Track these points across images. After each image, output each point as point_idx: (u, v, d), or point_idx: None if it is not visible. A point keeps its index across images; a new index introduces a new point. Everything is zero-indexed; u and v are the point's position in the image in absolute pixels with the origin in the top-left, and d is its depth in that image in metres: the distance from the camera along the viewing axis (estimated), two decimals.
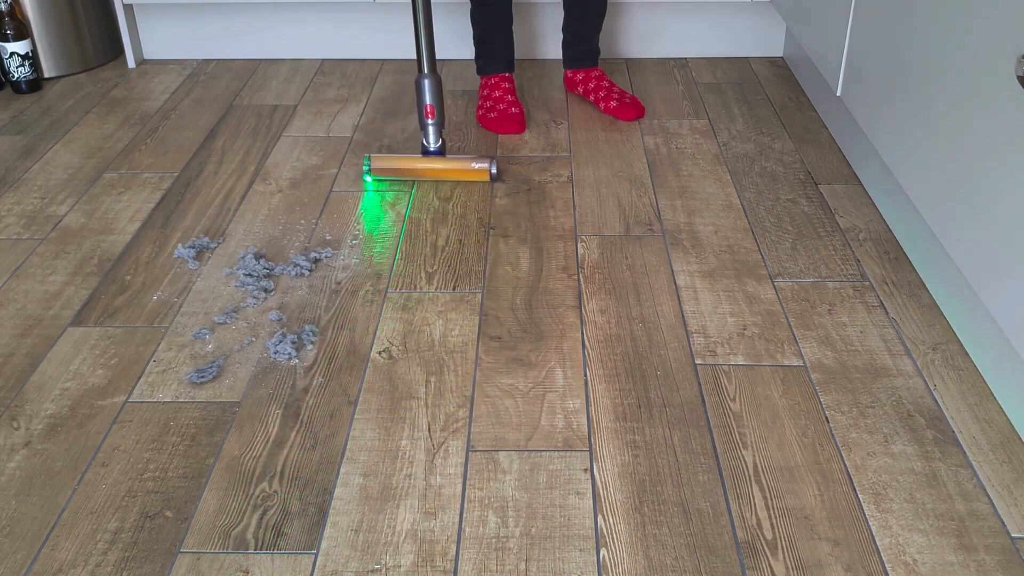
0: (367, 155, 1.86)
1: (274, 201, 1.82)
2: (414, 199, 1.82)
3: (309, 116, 2.17)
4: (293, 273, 1.59)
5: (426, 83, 1.81)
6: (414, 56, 2.51)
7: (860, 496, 1.15)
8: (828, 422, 1.26)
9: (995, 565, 1.06)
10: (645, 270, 1.59)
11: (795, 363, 1.37)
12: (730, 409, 1.29)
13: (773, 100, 2.22)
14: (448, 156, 1.87)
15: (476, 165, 1.84)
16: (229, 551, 1.09)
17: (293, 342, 1.42)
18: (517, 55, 2.50)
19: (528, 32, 2.47)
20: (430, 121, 1.84)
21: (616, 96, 2.14)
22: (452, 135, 2.07)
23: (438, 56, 2.50)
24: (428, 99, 1.82)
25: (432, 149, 1.87)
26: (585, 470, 1.20)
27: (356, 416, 1.29)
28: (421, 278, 1.58)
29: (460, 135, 2.07)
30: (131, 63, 2.48)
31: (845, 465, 1.20)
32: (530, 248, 1.66)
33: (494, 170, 1.83)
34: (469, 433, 1.26)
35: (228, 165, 1.96)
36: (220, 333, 1.45)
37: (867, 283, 1.54)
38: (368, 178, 1.87)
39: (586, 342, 1.42)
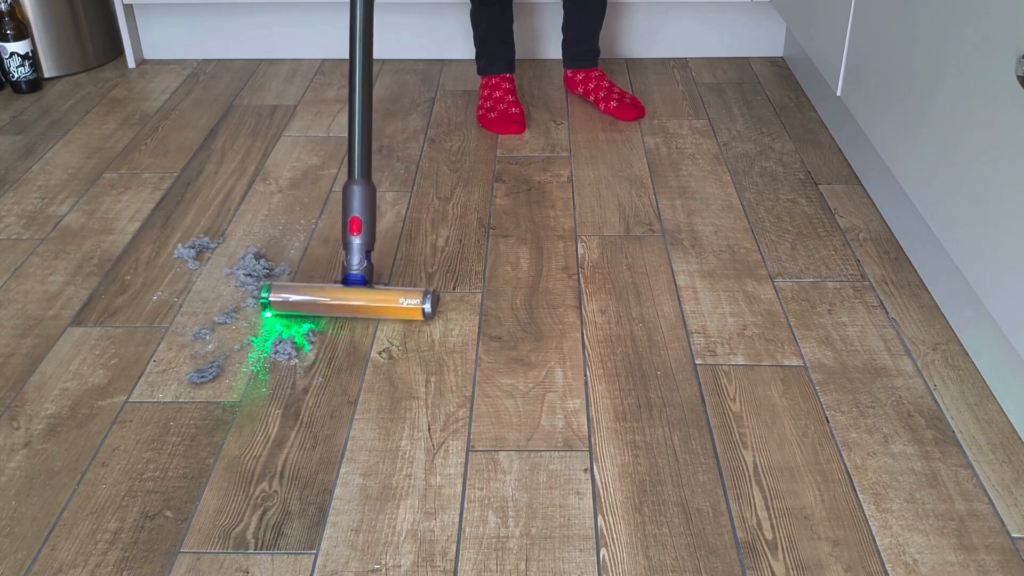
0: (267, 283, 1.48)
1: (274, 201, 1.82)
2: (413, 199, 1.82)
3: (309, 116, 2.17)
4: (291, 273, 1.59)
5: (355, 191, 1.46)
6: (414, 56, 2.51)
7: (860, 496, 1.15)
8: (828, 422, 1.26)
9: (995, 565, 1.06)
10: (645, 270, 1.59)
11: (795, 363, 1.37)
12: (730, 409, 1.29)
13: (773, 100, 2.22)
14: (374, 287, 1.47)
15: (406, 301, 1.44)
16: (229, 551, 1.09)
17: (293, 342, 1.42)
18: (517, 55, 2.50)
19: (528, 32, 2.47)
20: (355, 238, 1.46)
21: (616, 96, 2.14)
22: (452, 135, 2.07)
23: (437, 56, 2.51)
24: (354, 211, 1.46)
25: (355, 272, 1.47)
26: (585, 470, 1.20)
27: (356, 416, 1.29)
28: (421, 278, 1.58)
29: (460, 135, 2.07)
30: (131, 63, 2.48)
31: (845, 465, 1.20)
32: (530, 248, 1.66)
33: (428, 307, 1.44)
34: (469, 433, 1.26)
35: (228, 165, 1.96)
36: (220, 333, 1.45)
37: (867, 283, 1.54)
38: (267, 314, 1.48)
39: (586, 342, 1.42)
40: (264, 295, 1.45)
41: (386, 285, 1.52)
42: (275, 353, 1.40)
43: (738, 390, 1.32)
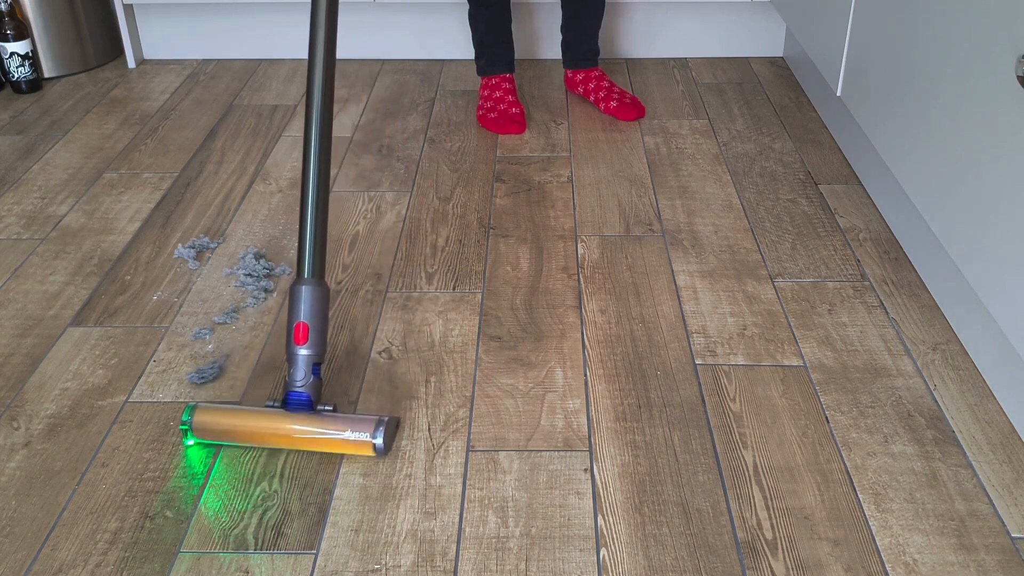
0: (189, 403, 1.27)
1: (274, 201, 1.82)
2: (413, 199, 1.82)
3: None
4: (291, 272, 1.59)
5: (303, 292, 1.24)
6: (414, 56, 2.51)
7: (860, 496, 1.15)
8: (828, 422, 1.26)
9: (995, 565, 1.06)
10: (645, 270, 1.59)
11: (795, 363, 1.37)
12: (730, 409, 1.29)
13: (773, 100, 2.22)
14: (319, 413, 1.22)
15: (353, 435, 1.19)
16: (229, 551, 1.09)
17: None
18: (517, 55, 2.50)
19: (528, 32, 2.47)
20: (299, 349, 1.22)
21: (616, 96, 2.14)
22: (452, 135, 2.07)
23: (437, 56, 2.50)
24: (301, 315, 1.23)
25: (297, 391, 1.22)
26: (585, 470, 1.20)
27: None
28: (421, 278, 1.58)
29: (460, 135, 2.07)
30: (131, 63, 2.48)
31: (845, 465, 1.20)
32: (530, 248, 1.66)
33: (379, 441, 1.19)
34: (469, 433, 1.26)
35: (228, 165, 1.96)
36: (220, 333, 1.45)
37: (867, 283, 1.54)
38: (189, 442, 1.24)
39: (586, 342, 1.42)
40: (185, 419, 1.22)
41: (333, 410, 1.23)
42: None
43: (738, 390, 1.32)
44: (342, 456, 1.22)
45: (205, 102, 2.26)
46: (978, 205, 1.18)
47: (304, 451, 1.22)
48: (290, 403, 1.22)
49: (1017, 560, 1.07)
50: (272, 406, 1.23)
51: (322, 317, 1.25)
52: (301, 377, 1.23)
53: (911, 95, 1.39)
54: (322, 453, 1.22)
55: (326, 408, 1.22)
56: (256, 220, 1.75)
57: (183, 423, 1.22)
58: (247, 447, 1.23)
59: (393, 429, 1.24)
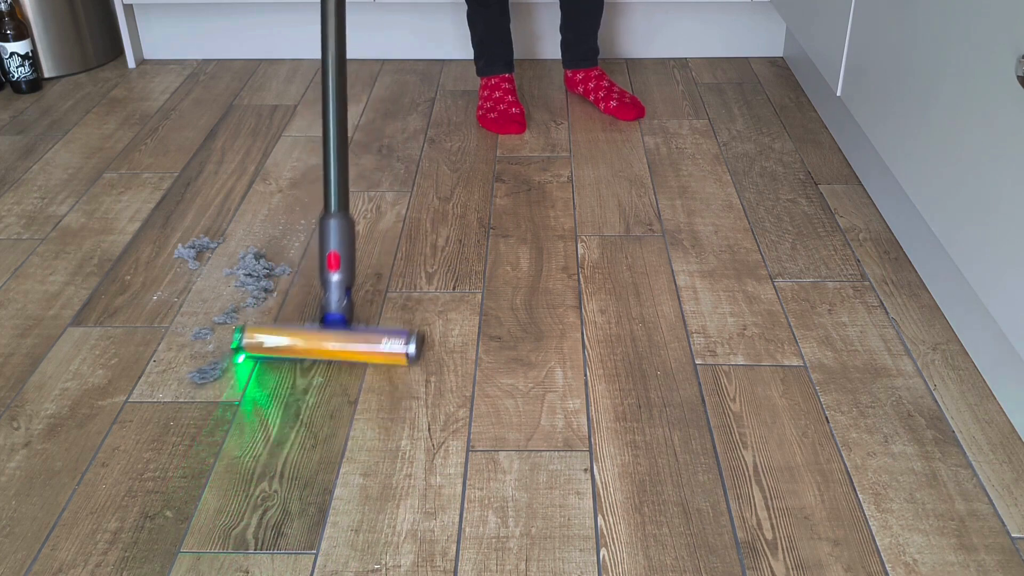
0: (239, 325, 1.40)
1: (274, 201, 1.82)
2: (413, 199, 1.82)
3: (309, 116, 2.17)
4: (291, 272, 1.59)
5: (332, 225, 1.37)
6: (414, 56, 2.51)
7: (860, 496, 1.15)
8: (828, 422, 1.26)
9: (995, 565, 1.06)
10: (645, 270, 1.59)
11: (795, 363, 1.37)
12: (730, 409, 1.29)
13: (773, 100, 2.22)
14: (353, 329, 1.37)
15: (388, 347, 1.34)
16: (229, 551, 1.09)
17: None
18: (517, 55, 2.50)
19: (528, 32, 2.47)
20: (333, 275, 1.36)
21: (616, 96, 2.14)
22: (452, 135, 2.07)
23: (437, 56, 2.51)
24: (332, 245, 1.36)
25: (333, 311, 1.37)
26: (585, 470, 1.20)
27: (356, 416, 1.29)
28: (421, 278, 1.58)
29: (460, 135, 2.07)
30: (131, 63, 2.48)
31: (845, 465, 1.20)
32: (530, 248, 1.66)
33: (412, 350, 1.34)
34: (469, 433, 1.26)
35: (228, 165, 1.96)
36: (220, 333, 1.45)
37: (867, 283, 1.54)
38: (240, 357, 1.39)
39: (586, 342, 1.42)
40: (236, 338, 1.36)
41: (367, 326, 1.39)
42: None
43: (738, 390, 1.32)
44: (342, 456, 1.22)
45: (205, 102, 2.26)
46: (978, 205, 1.18)
47: (343, 363, 1.36)
48: (327, 323, 1.36)
49: (1017, 560, 1.07)
50: (310, 327, 1.36)
51: (350, 246, 1.38)
52: (336, 300, 1.37)
53: (911, 95, 1.39)
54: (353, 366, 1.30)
55: (359, 326, 1.37)
56: (256, 220, 1.75)
57: (234, 342, 1.36)
58: (292, 360, 1.38)
59: (422, 342, 1.38)
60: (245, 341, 1.36)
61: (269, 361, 1.38)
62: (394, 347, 1.34)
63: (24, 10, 2.32)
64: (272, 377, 1.35)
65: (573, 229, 1.71)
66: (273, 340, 1.35)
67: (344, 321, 1.37)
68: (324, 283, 1.37)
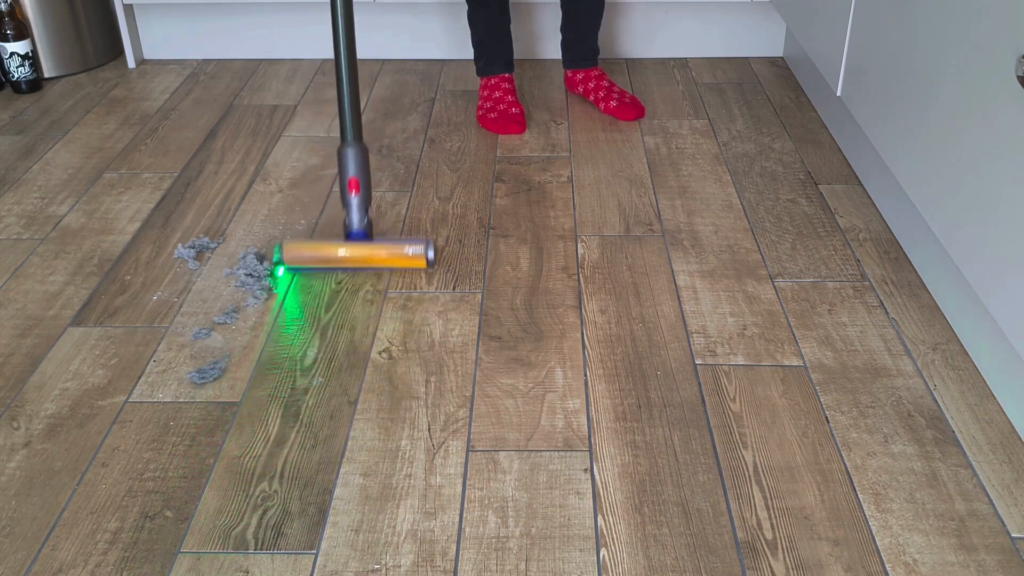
0: (277, 243, 1.59)
1: (274, 201, 1.82)
2: (413, 199, 1.82)
3: (309, 116, 2.17)
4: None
5: (350, 153, 1.56)
6: (414, 56, 2.51)
7: (860, 496, 1.15)
8: (828, 422, 1.26)
9: (995, 565, 1.06)
10: (645, 270, 1.59)
11: (795, 363, 1.37)
12: (730, 409, 1.29)
13: (773, 100, 2.22)
14: (375, 241, 1.60)
15: (410, 250, 1.55)
16: (229, 551, 1.09)
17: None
18: (517, 55, 2.50)
19: (528, 32, 2.47)
20: (353, 197, 1.57)
21: (616, 96, 2.14)
22: (452, 135, 2.07)
23: (437, 56, 2.51)
24: (351, 171, 1.56)
25: (356, 229, 1.58)
26: (585, 470, 1.20)
27: (356, 416, 1.29)
28: (421, 278, 1.58)
29: (460, 135, 2.07)
30: (131, 63, 2.48)
31: (845, 465, 1.20)
32: (530, 248, 1.66)
33: (431, 254, 1.56)
34: (469, 433, 1.26)
35: (228, 165, 1.96)
36: (220, 333, 1.45)
37: (867, 283, 1.54)
38: (280, 270, 1.59)
39: (586, 342, 1.42)
40: (277, 252, 1.57)
41: (385, 238, 1.65)
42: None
43: (738, 390, 1.32)
44: (342, 456, 1.22)
45: (205, 102, 2.26)
46: (978, 205, 1.18)
47: (369, 270, 1.59)
48: (352, 238, 1.58)
49: (1017, 560, 1.07)
50: (340, 241, 1.58)
51: (367, 171, 1.58)
52: (359, 219, 1.57)
53: (911, 95, 1.39)
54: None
55: (379, 239, 1.60)
56: (256, 220, 1.75)
57: (275, 256, 1.57)
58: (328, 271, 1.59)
59: (437, 250, 1.63)
60: (284, 255, 1.56)
61: (305, 272, 1.59)
62: (417, 251, 1.55)
63: (24, 10, 2.32)
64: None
65: (573, 229, 1.71)
66: (309, 253, 1.57)
67: (366, 235, 1.58)
68: (346, 205, 1.57)
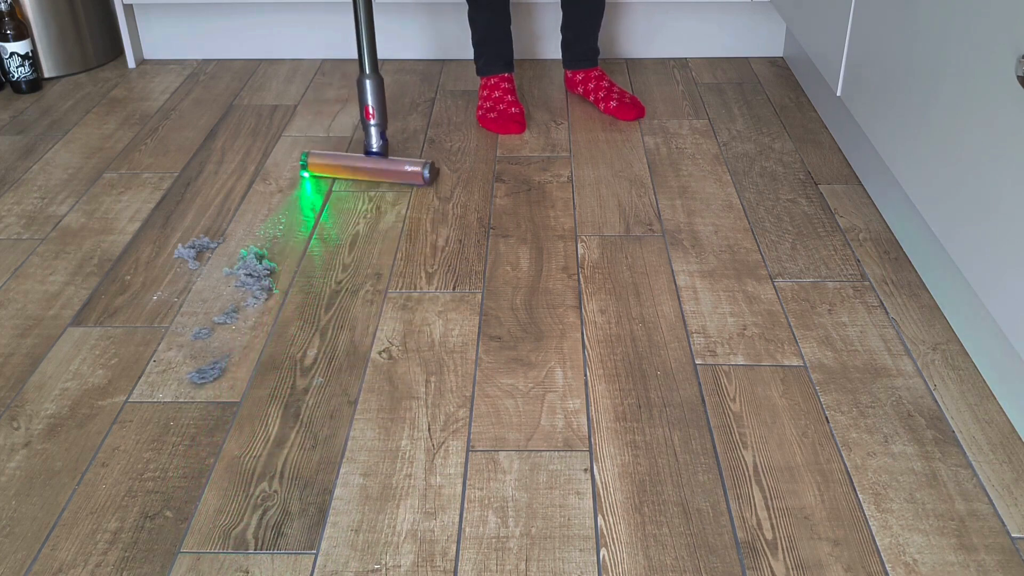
0: (305, 151, 1.90)
1: (274, 201, 1.82)
2: (413, 199, 1.82)
3: (309, 116, 2.17)
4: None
5: (367, 83, 1.80)
6: (414, 56, 2.51)
7: (860, 496, 1.15)
8: (828, 422, 1.26)
9: (995, 565, 1.06)
10: (645, 270, 1.59)
11: (795, 363, 1.37)
12: (730, 409, 1.29)
13: (773, 100, 2.22)
14: (389, 158, 1.86)
15: (408, 167, 1.82)
16: (229, 551, 1.09)
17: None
18: (517, 55, 2.50)
19: (528, 32, 2.47)
20: (371, 123, 1.83)
21: (616, 96, 2.14)
22: (452, 135, 2.07)
23: (437, 56, 2.51)
24: (368, 100, 1.81)
25: (374, 150, 1.85)
26: (585, 470, 1.20)
27: (356, 416, 1.29)
28: (421, 278, 1.58)
29: (460, 135, 2.07)
30: (131, 63, 2.48)
31: (845, 465, 1.20)
32: (530, 248, 1.66)
33: (427, 173, 1.82)
34: (469, 433, 1.26)
35: (228, 165, 1.96)
36: (220, 333, 1.45)
37: (867, 283, 1.54)
38: (305, 174, 1.89)
39: (586, 342, 1.42)
40: (303, 158, 1.86)
41: (396, 157, 1.87)
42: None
43: (738, 390, 1.32)
44: (342, 456, 1.22)
45: (205, 102, 2.26)
46: (978, 205, 1.18)
47: (373, 183, 1.85)
48: (371, 155, 1.86)
49: (1017, 560, 1.07)
50: (357, 156, 1.87)
51: (382, 98, 1.82)
52: (375, 140, 1.85)
53: (911, 95, 1.39)
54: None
55: (393, 158, 1.86)
56: (256, 220, 1.75)
57: (301, 161, 1.87)
58: (349, 181, 1.86)
59: (436, 172, 1.87)
60: (309, 160, 1.86)
61: (321, 178, 1.88)
62: (414, 169, 1.82)
63: (24, 10, 2.32)
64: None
65: (573, 229, 1.71)
66: (328, 160, 1.86)
67: (381, 155, 1.86)
68: (365, 128, 1.84)
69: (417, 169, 1.82)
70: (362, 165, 1.84)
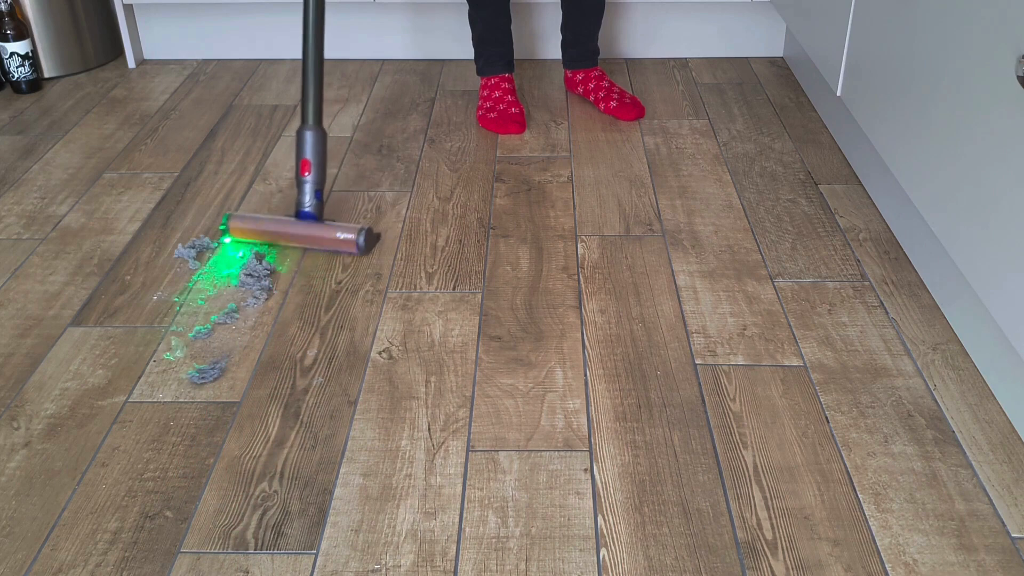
0: (226, 213, 1.69)
1: (274, 201, 1.82)
2: (413, 199, 1.82)
3: None
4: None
5: (308, 135, 1.62)
6: (414, 56, 2.51)
7: (860, 496, 1.15)
8: (828, 422, 1.26)
9: (995, 565, 1.06)
10: (645, 270, 1.59)
11: (795, 363, 1.37)
12: (730, 409, 1.29)
13: (773, 100, 2.22)
14: (316, 223, 1.63)
15: (341, 235, 1.61)
16: (229, 551, 1.09)
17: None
18: (517, 55, 2.50)
19: (528, 32, 2.47)
20: (306, 178, 1.63)
21: (616, 96, 2.14)
22: (452, 135, 2.07)
23: (437, 56, 2.51)
24: (307, 152, 1.62)
25: (306, 209, 1.64)
26: (585, 470, 1.20)
27: (356, 416, 1.29)
28: (421, 278, 1.58)
29: (460, 135, 2.07)
30: (131, 63, 2.48)
31: (845, 465, 1.20)
32: (530, 248, 1.66)
33: (361, 241, 1.60)
34: (469, 433, 1.26)
35: (228, 165, 1.96)
36: (220, 333, 1.45)
37: (867, 283, 1.54)
38: (227, 239, 1.67)
39: (586, 342, 1.42)
40: (224, 222, 1.65)
41: (333, 221, 1.67)
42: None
43: (738, 390, 1.32)
44: (342, 456, 1.22)
45: (205, 102, 2.26)
46: (978, 205, 1.18)
47: (310, 248, 1.64)
48: (301, 217, 1.64)
49: (1017, 560, 1.07)
50: (286, 219, 1.65)
51: (322, 154, 1.64)
52: (308, 199, 1.64)
53: (911, 95, 1.39)
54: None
55: (327, 222, 1.64)
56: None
57: (222, 225, 1.65)
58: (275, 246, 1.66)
59: (374, 238, 1.66)
60: (231, 224, 1.64)
61: (247, 244, 1.67)
62: (347, 236, 1.60)
63: (24, 10, 2.32)
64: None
65: (573, 229, 1.71)
66: (252, 225, 1.64)
67: (314, 216, 1.64)
68: (298, 185, 1.63)
69: (350, 237, 1.60)
70: (290, 231, 1.63)
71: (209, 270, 1.57)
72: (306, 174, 1.62)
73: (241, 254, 1.62)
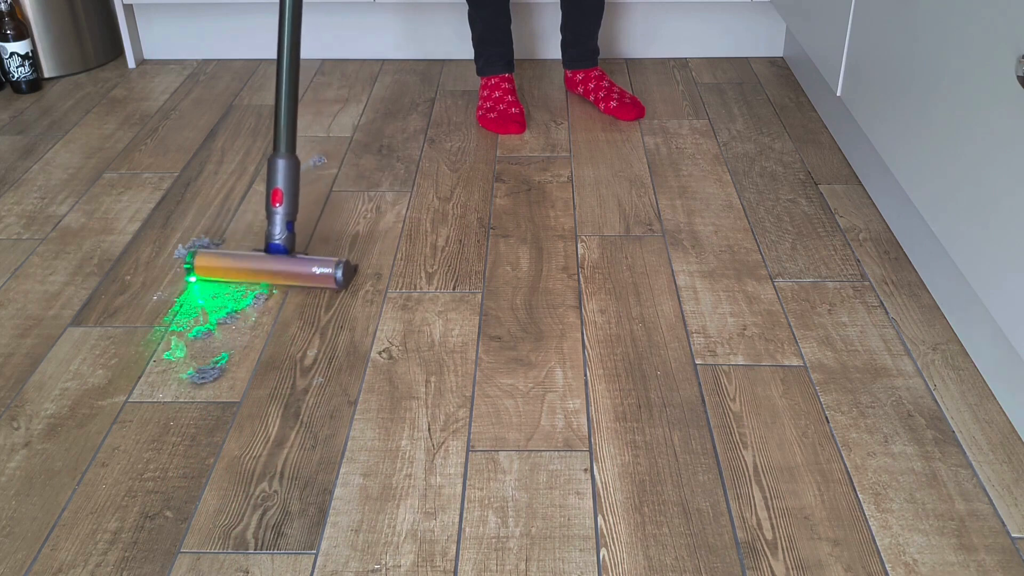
0: (191, 250, 1.58)
1: None
2: (413, 199, 1.82)
3: (309, 116, 2.17)
4: None
5: (280, 163, 1.54)
6: (414, 56, 2.51)
7: (860, 496, 1.15)
8: (828, 422, 1.26)
9: (995, 565, 1.06)
10: (645, 270, 1.59)
11: (795, 363, 1.37)
12: (730, 409, 1.29)
13: (773, 100, 2.22)
14: (288, 257, 1.54)
15: (317, 270, 1.51)
16: (229, 551, 1.09)
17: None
18: (517, 55, 2.50)
19: (528, 32, 2.47)
20: (277, 208, 1.53)
21: (616, 96, 2.14)
22: (452, 135, 2.07)
23: (437, 56, 2.51)
24: (279, 181, 1.54)
25: (276, 241, 1.54)
26: (585, 470, 1.20)
27: (356, 416, 1.29)
28: (421, 278, 1.58)
29: (460, 135, 2.07)
30: (131, 63, 2.48)
31: (845, 465, 1.20)
32: (530, 248, 1.66)
33: (339, 275, 1.51)
34: (469, 433, 1.26)
35: (228, 165, 1.96)
36: (220, 333, 1.45)
37: (867, 283, 1.54)
38: (192, 279, 1.56)
39: (586, 342, 1.42)
40: (188, 261, 1.54)
41: (305, 255, 1.59)
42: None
43: (738, 390, 1.32)
44: (342, 456, 1.22)
45: (205, 102, 2.26)
46: (978, 205, 1.18)
47: (280, 286, 1.54)
48: (271, 251, 1.54)
49: (1017, 560, 1.07)
50: (254, 254, 1.54)
51: (294, 183, 1.55)
52: (278, 232, 1.54)
53: (911, 95, 1.39)
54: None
55: (299, 255, 1.55)
56: (256, 220, 1.75)
57: (187, 264, 1.53)
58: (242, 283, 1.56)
59: (351, 271, 1.56)
60: (196, 262, 1.54)
61: (216, 282, 1.56)
62: (324, 271, 1.51)
63: (24, 10, 2.32)
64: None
65: (573, 229, 1.71)
66: (219, 262, 1.54)
67: (285, 250, 1.54)
68: (269, 216, 1.54)
69: (328, 271, 1.51)
70: (261, 267, 1.53)
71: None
72: (277, 205, 1.53)
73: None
